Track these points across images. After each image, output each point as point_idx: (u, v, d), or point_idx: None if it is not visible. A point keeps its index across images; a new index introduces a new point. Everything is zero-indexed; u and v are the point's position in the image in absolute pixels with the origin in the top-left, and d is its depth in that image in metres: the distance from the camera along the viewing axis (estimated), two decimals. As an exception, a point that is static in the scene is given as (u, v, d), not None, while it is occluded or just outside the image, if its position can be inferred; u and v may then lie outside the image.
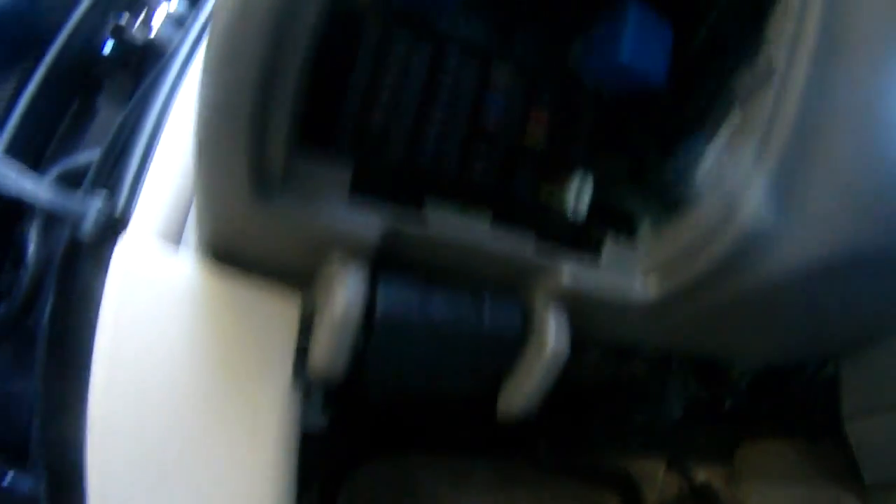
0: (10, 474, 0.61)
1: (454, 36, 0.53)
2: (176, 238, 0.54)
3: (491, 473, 0.89)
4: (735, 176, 0.50)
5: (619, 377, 0.91)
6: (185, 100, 0.64)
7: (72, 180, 0.72)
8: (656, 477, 0.93)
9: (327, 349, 0.44)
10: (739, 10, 0.56)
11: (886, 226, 0.53)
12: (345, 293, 0.43)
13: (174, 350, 0.49)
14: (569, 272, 0.48)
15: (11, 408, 0.66)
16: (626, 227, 0.59)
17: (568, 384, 0.98)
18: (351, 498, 0.81)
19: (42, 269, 0.71)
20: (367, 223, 0.44)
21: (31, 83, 0.75)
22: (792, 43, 0.47)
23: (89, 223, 0.58)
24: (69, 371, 0.53)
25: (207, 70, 0.40)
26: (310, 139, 0.45)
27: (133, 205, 0.56)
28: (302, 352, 0.52)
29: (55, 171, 0.73)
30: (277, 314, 0.51)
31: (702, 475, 0.92)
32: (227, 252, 0.50)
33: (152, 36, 0.79)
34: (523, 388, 0.49)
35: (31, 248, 0.71)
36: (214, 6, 0.40)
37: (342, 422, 0.86)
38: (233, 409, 0.49)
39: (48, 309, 0.60)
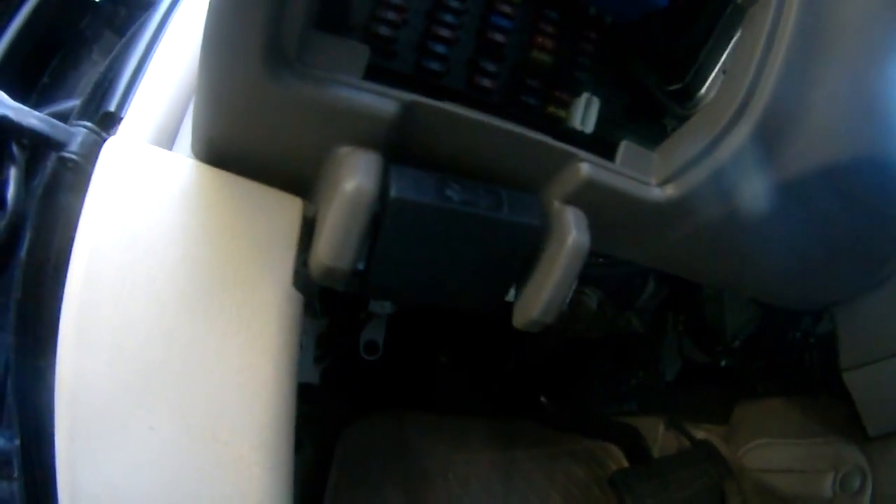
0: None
1: None
2: (167, 145, 0.51)
3: (489, 432, 0.86)
4: (731, 102, 0.50)
5: (617, 332, 0.90)
6: (176, 27, 0.63)
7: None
8: (656, 435, 0.92)
9: (335, 238, 0.42)
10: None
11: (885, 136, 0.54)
12: (357, 175, 0.42)
13: (161, 252, 0.45)
14: (588, 165, 0.47)
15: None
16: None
17: (567, 339, 0.97)
18: (346, 454, 0.77)
19: (22, 212, 0.67)
20: (383, 101, 0.42)
21: (15, 23, 0.73)
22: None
23: (75, 145, 0.55)
24: (46, 315, 0.49)
25: None
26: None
27: (122, 114, 0.54)
28: (302, 264, 0.50)
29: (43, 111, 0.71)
30: (277, 215, 0.48)
31: (700, 434, 0.91)
32: (226, 152, 0.47)
33: (144, -19, 0.78)
34: (544, 287, 0.47)
35: (11, 189, 0.68)
36: None
37: (335, 378, 0.84)
38: (226, 315, 0.46)
39: (26, 244, 0.56)
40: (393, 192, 0.43)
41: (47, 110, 0.75)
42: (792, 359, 0.89)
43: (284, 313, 0.48)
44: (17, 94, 0.76)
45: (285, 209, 0.49)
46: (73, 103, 0.74)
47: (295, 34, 0.40)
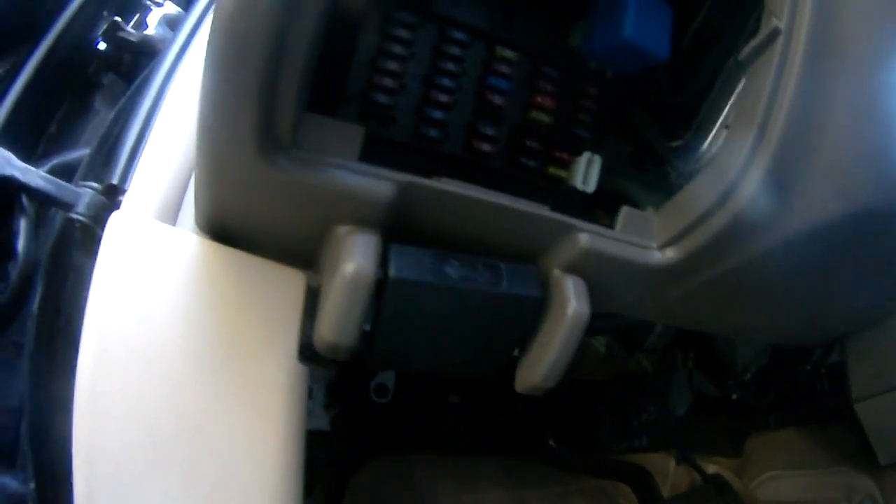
0: (-3, 475, 0.58)
1: (457, 20, 0.54)
2: (171, 219, 0.52)
3: (498, 472, 0.86)
4: (735, 158, 0.49)
5: (626, 372, 0.89)
6: (177, 92, 0.63)
7: (64, 174, 0.70)
8: (667, 471, 0.91)
9: (337, 316, 0.42)
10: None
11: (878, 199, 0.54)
12: (356, 255, 0.42)
13: (169, 326, 0.46)
14: (587, 235, 0.47)
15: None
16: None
17: (575, 379, 0.97)
18: (356, 499, 0.78)
19: (32, 263, 0.68)
20: (379, 183, 0.42)
21: (23, 74, 0.74)
22: (793, 4, 0.48)
23: (82, 206, 0.56)
24: (58, 365, 0.50)
25: (220, 30, 0.39)
26: (318, 110, 0.45)
27: (126, 186, 0.55)
28: (306, 334, 0.50)
29: (48, 164, 0.71)
30: (281, 289, 0.49)
31: (712, 468, 0.90)
32: (229, 227, 0.48)
33: (147, 33, 0.78)
34: (545, 355, 0.47)
35: (21, 242, 0.69)
36: None
37: (345, 423, 0.84)
38: (234, 387, 0.47)
39: (37, 299, 0.57)
40: (392, 273, 0.43)
41: (55, 161, 0.76)
42: (803, 390, 0.88)
43: (290, 386, 0.48)
44: (26, 143, 0.78)
45: (288, 283, 0.49)
46: (80, 153, 0.75)
47: (288, 118, 0.41)
